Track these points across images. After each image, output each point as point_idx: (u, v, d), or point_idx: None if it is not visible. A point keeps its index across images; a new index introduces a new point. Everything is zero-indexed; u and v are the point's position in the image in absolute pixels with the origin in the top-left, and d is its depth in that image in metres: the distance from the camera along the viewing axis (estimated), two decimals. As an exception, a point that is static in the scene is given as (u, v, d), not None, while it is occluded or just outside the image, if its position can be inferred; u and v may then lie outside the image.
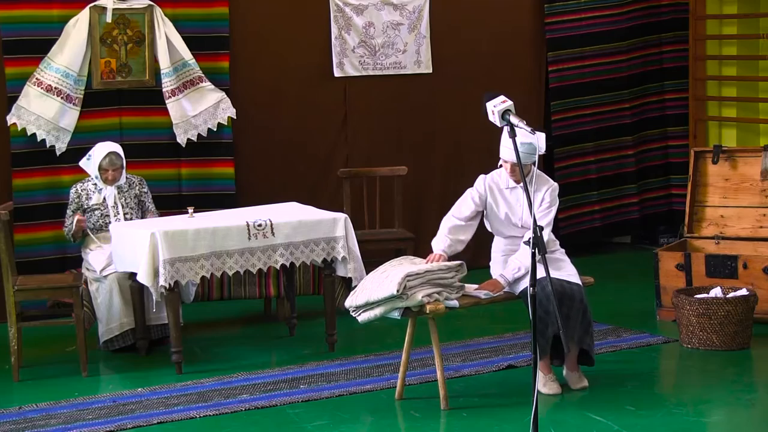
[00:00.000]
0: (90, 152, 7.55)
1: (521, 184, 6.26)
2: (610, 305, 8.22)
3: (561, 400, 6.23)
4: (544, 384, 6.33)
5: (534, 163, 5.93)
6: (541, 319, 6.10)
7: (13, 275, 6.93)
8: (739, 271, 7.57)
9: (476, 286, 6.31)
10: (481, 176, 6.48)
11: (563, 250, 6.54)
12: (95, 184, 7.54)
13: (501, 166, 6.40)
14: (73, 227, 7.43)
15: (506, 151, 6.23)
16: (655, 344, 7.28)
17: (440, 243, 6.40)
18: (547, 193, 6.34)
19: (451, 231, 6.42)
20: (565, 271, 6.32)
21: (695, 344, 7.10)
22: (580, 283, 6.33)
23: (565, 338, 5.80)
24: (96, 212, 7.49)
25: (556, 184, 6.42)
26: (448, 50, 9.47)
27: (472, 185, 6.27)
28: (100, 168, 7.46)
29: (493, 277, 6.42)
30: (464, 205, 6.46)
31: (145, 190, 7.69)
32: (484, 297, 6.24)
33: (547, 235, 6.28)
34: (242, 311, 8.52)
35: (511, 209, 6.38)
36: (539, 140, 6.01)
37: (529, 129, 5.18)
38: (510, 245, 6.44)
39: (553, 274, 6.00)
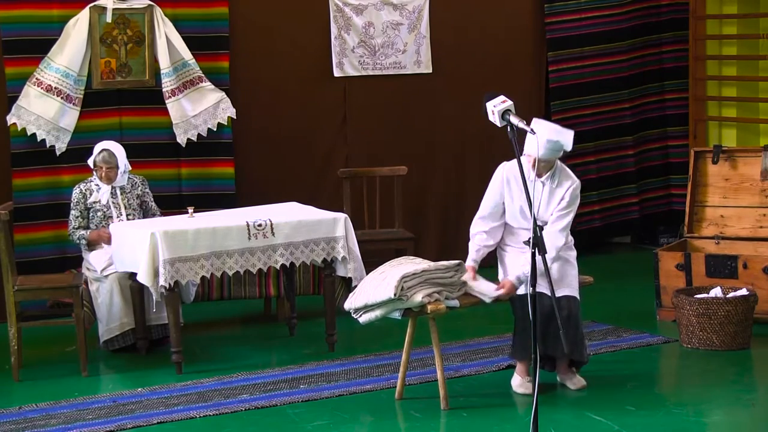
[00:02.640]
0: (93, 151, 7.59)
1: (542, 178, 6.22)
2: (610, 305, 8.22)
3: (561, 400, 6.23)
4: (521, 384, 6.30)
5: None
6: (525, 330, 6.07)
7: (13, 275, 6.92)
8: (739, 271, 7.57)
9: (490, 284, 6.27)
10: (501, 165, 6.40)
11: (575, 254, 6.45)
12: (97, 184, 7.54)
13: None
14: (92, 234, 7.40)
15: (531, 146, 6.06)
16: (655, 344, 7.28)
17: (472, 253, 6.35)
18: (567, 191, 6.23)
19: (480, 237, 6.36)
20: (565, 283, 6.27)
21: (695, 344, 7.10)
22: (576, 296, 6.26)
23: (566, 341, 5.72)
24: (99, 213, 7.49)
25: (578, 181, 6.31)
26: (448, 50, 9.47)
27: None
28: (95, 165, 7.47)
29: (500, 273, 6.38)
30: (487, 202, 6.38)
31: (147, 190, 7.69)
32: (489, 299, 6.21)
33: (563, 238, 6.20)
34: (242, 311, 8.52)
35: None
36: (567, 138, 6.00)
37: (529, 129, 5.17)
38: (513, 240, 6.38)
39: (555, 285, 5.90)
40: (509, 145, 5.00)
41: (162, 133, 8.52)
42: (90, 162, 7.56)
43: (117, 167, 7.51)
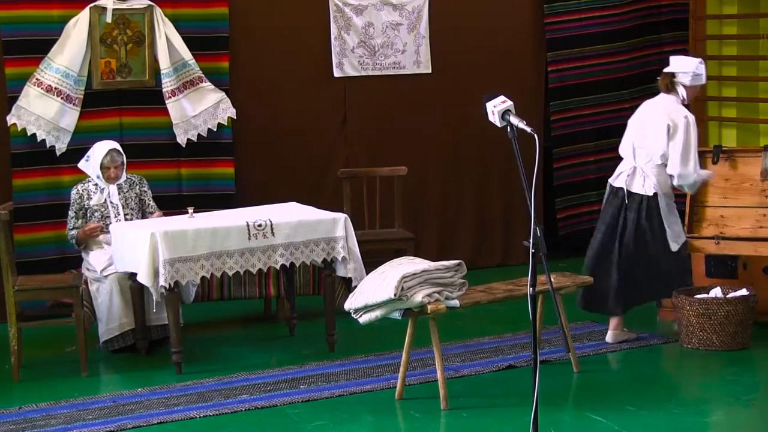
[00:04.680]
0: (88, 153, 7.56)
1: None
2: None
3: (561, 400, 6.23)
4: (615, 336, 7.30)
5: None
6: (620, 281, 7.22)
7: (13, 275, 6.93)
8: (739, 271, 7.57)
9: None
10: (687, 115, 7.19)
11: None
12: (96, 184, 7.53)
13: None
14: (79, 234, 7.42)
15: (700, 76, 7.25)
16: (655, 344, 7.28)
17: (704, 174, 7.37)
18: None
19: None
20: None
21: (695, 344, 7.10)
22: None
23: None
24: (96, 213, 7.49)
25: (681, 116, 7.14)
26: (447, 50, 9.47)
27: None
28: (102, 167, 7.46)
29: None
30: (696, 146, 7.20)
31: (146, 188, 7.69)
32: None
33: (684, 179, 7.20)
34: (242, 311, 8.52)
35: None
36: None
37: (529, 129, 5.17)
38: None
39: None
40: (509, 145, 4.99)
41: (162, 134, 8.52)
42: (87, 167, 7.51)
43: (123, 164, 7.52)
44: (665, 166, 7.16)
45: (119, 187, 7.56)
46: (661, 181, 7.19)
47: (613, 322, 7.28)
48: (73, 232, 7.47)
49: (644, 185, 7.19)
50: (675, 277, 7.30)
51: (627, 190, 7.22)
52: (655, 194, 7.16)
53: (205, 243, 6.82)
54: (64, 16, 8.20)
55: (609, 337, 7.27)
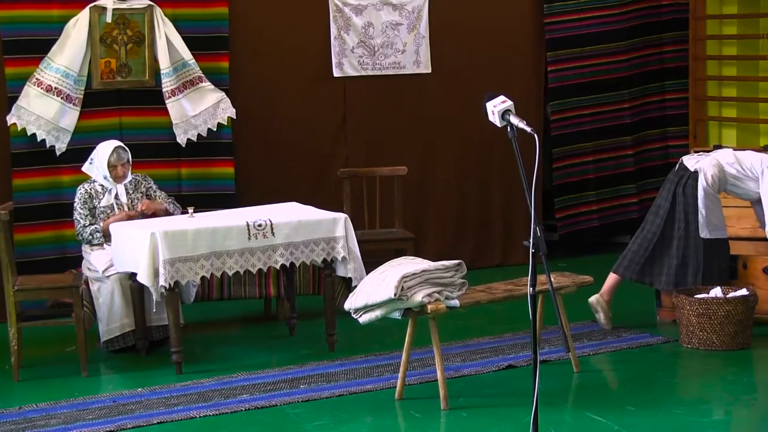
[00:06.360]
0: (92, 156, 7.53)
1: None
2: (610, 305, 8.22)
3: (561, 400, 6.23)
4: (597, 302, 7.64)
5: None
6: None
7: (13, 275, 6.93)
8: (739, 271, 7.57)
9: None
10: None
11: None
12: (102, 185, 7.51)
13: None
14: (106, 224, 7.35)
15: None
16: (655, 344, 7.29)
17: None
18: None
19: None
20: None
21: (695, 344, 7.10)
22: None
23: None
24: (102, 215, 7.47)
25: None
26: (447, 50, 9.47)
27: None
28: (109, 165, 7.43)
29: None
30: None
31: (150, 184, 7.68)
32: None
33: None
34: (242, 311, 8.53)
35: None
36: None
37: (529, 129, 5.17)
38: None
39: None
40: (509, 145, 5.00)
41: (162, 133, 8.52)
42: (92, 169, 7.48)
43: (129, 162, 7.51)
44: (729, 170, 7.42)
45: (125, 189, 7.54)
46: (713, 173, 7.37)
47: (607, 284, 7.66)
48: (95, 226, 7.41)
49: (696, 163, 7.45)
50: (701, 266, 7.41)
51: (682, 160, 7.60)
52: (696, 171, 7.39)
53: (205, 243, 6.82)
54: (64, 16, 8.20)
55: (592, 297, 7.64)
